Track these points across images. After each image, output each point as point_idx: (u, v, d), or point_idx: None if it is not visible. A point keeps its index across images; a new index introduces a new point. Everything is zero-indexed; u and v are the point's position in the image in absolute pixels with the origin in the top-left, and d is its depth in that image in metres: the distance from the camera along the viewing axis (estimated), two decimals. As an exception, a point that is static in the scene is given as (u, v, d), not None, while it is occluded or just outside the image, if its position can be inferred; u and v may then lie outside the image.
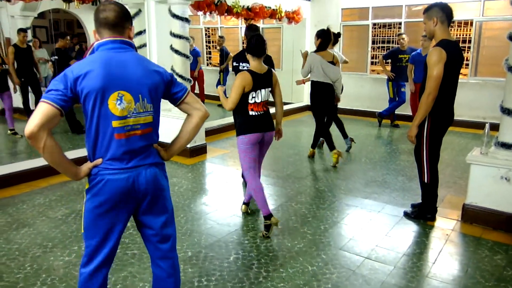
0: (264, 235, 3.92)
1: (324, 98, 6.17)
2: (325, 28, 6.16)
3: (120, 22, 2.10)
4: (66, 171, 2.09)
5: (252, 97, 3.92)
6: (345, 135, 6.88)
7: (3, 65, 7.41)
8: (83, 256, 2.22)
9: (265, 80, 3.95)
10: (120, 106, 2.03)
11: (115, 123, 2.04)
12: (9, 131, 7.68)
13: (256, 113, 3.97)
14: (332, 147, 6.20)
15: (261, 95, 3.96)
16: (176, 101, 2.29)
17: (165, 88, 2.22)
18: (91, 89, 1.97)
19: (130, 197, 2.13)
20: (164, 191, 2.27)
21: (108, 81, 1.99)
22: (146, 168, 2.15)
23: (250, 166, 4.02)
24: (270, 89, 4.04)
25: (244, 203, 4.44)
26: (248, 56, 3.95)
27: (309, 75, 6.26)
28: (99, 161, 2.08)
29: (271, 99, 4.14)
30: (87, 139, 2.11)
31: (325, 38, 6.03)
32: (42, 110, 1.88)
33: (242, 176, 5.18)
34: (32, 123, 1.85)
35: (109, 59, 2.04)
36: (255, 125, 3.97)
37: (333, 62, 6.07)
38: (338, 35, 6.90)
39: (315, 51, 6.12)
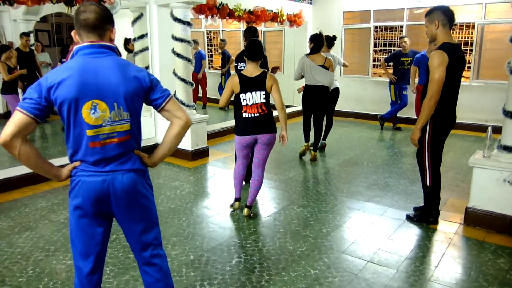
0: (230, 206, 4.64)
1: (312, 100, 6.38)
2: (318, 32, 6.35)
3: (101, 24, 2.05)
4: (46, 173, 2.13)
5: (243, 99, 4.12)
6: (324, 137, 7.04)
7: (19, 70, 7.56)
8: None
9: (255, 83, 4.09)
10: (94, 115, 2.00)
11: (89, 132, 2.02)
12: None
13: (249, 115, 4.15)
14: (307, 139, 6.67)
15: (252, 97, 4.10)
16: (156, 108, 2.21)
17: (144, 94, 2.15)
18: (65, 99, 1.95)
19: (107, 201, 2.11)
20: (144, 198, 2.22)
21: (82, 90, 1.96)
22: (123, 174, 2.11)
23: (239, 158, 4.42)
24: (263, 92, 4.12)
25: (246, 206, 4.44)
26: (246, 59, 4.13)
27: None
28: (77, 163, 2.09)
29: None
30: (66, 143, 2.11)
31: (318, 42, 6.22)
32: (16, 119, 1.91)
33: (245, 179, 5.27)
34: (5, 132, 1.88)
35: (85, 66, 2.00)
36: (246, 128, 4.18)
37: (325, 65, 6.22)
38: (333, 38, 6.96)
39: (308, 54, 6.33)
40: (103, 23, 2.06)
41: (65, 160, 2.18)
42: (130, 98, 2.07)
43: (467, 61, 5.61)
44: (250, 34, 5.28)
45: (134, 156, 2.18)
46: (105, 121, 2.03)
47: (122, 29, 10.71)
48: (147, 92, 2.15)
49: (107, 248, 2.31)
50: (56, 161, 2.07)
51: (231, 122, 8.49)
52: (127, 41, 8.75)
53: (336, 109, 9.66)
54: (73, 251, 2.23)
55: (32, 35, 9.33)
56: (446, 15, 3.78)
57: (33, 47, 8.88)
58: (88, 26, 2.03)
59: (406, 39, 8.29)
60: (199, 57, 10.74)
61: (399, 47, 8.54)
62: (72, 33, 2.12)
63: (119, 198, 2.11)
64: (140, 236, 2.26)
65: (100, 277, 2.28)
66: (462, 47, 7.61)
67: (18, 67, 7.84)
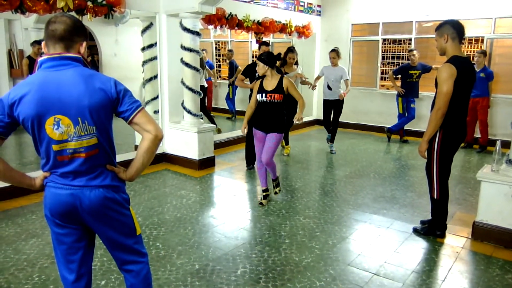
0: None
1: None
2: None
3: (69, 36, 1.99)
4: (20, 184, 2.15)
5: None
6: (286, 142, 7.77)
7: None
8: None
9: None
10: (58, 131, 1.96)
11: (55, 147, 1.99)
12: None
13: None
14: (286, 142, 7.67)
15: None
16: (126, 121, 2.12)
17: (111, 106, 2.06)
18: (26, 116, 1.93)
19: (75, 213, 2.09)
20: (115, 212, 2.16)
21: (43, 106, 1.92)
22: (91, 190, 2.07)
23: None
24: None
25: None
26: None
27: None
28: (47, 174, 2.09)
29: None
30: (38, 153, 2.11)
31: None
32: None
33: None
34: None
35: (46, 80, 1.95)
36: None
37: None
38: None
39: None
40: (71, 35, 2.00)
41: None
42: (95, 111, 2.01)
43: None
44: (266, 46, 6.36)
45: (106, 172, 2.14)
46: (70, 136, 1.99)
47: (132, 38, 10.82)
48: (115, 103, 2.07)
49: (92, 254, 2.32)
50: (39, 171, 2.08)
51: (238, 132, 8.52)
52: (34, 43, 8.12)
53: (343, 120, 9.71)
54: (56, 260, 2.24)
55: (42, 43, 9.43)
56: (456, 29, 3.79)
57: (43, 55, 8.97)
58: (55, 37, 1.98)
59: (415, 52, 8.28)
60: (208, 66, 10.81)
61: (408, 60, 8.55)
62: (42, 44, 2.07)
63: (86, 212, 2.09)
64: (114, 244, 2.25)
65: (87, 285, 2.28)
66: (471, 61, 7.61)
67: (29, 75, 7.92)
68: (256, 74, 5.94)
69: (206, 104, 9.35)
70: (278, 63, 5.84)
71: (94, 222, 2.13)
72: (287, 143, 7.71)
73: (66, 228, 2.15)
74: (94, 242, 2.35)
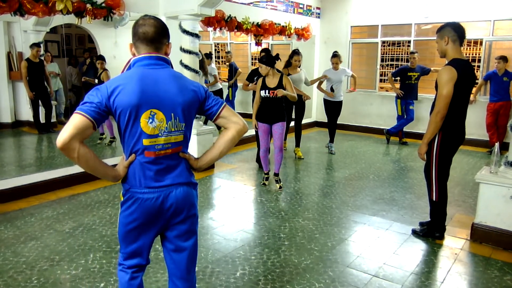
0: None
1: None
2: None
3: (158, 38, 2.09)
4: (104, 175, 2.11)
5: None
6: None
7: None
8: (119, 261, 2.29)
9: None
10: (151, 125, 2.02)
11: (145, 141, 2.03)
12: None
13: None
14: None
15: None
16: (212, 116, 2.23)
17: (199, 106, 2.19)
18: (125, 106, 1.97)
19: (159, 216, 2.12)
20: (195, 209, 2.26)
21: (141, 99, 1.98)
22: (176, 188, 2.14)
23: None
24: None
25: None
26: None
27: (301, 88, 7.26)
28: (133, 157, 2.07)
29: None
30: (123, 150, 2.12)
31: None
32: (75, 121, 1.88)
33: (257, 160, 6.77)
34: (64, 134, 1.85)
35: (144, 76, 2.03)
36: None
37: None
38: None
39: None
40: (161, 37, 2.10)
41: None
42: (187, 109, 2.11)
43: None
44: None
45: (185, 169, 2.20)
46: (161, 131, 2.05)
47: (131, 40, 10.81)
48: (203, 102, 2.19)
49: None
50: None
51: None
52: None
53: (343, 122, 9.72)
54: (122, 252, 2.25)
55: (41, 46, 9.43)
56: (456, 31, 3.80)
57: (42, 58, 8.97)
58: (146, 39, 2.07)
59: (416, 55, 8.29)
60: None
61: (407, 62, 8.55)
62: (129, 45, 2.16)
63: (172, 212, 2.14)
64: (184, 243, 2.28)
65: (140, 278, 2.30)
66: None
67: (28, 78, 7.94)
68: (255, 79, 6.54)
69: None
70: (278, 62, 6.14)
71: (175, 221, 2.18)
72: (297, 145, 7.77)
73: (144, 233, 2.17)
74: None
